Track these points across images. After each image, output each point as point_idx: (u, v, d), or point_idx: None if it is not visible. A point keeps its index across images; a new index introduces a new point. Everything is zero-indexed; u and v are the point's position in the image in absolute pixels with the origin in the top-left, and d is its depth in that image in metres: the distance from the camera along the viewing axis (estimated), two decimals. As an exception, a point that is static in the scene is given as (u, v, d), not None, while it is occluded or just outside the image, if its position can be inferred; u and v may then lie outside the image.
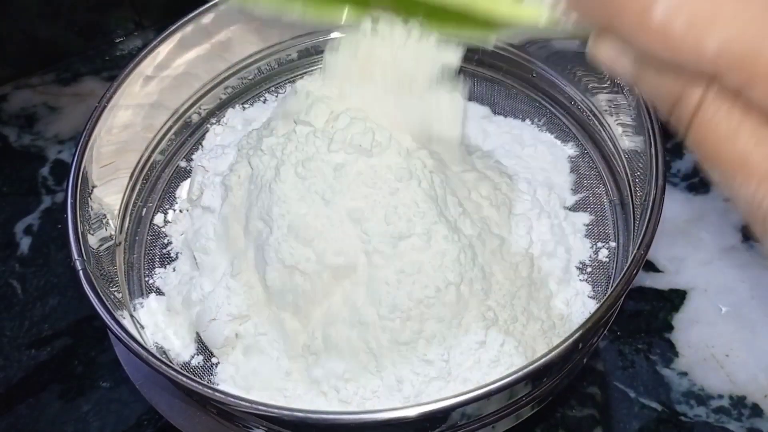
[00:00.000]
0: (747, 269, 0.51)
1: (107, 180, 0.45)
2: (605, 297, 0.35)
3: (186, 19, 0.48)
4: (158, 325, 0.43)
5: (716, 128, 0.19)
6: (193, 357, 0.42)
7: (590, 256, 0.44)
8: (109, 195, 0.45)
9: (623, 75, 0.21)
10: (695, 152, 0.20)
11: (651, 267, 0.52)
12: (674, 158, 0.58)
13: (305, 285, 0.38)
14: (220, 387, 0.40)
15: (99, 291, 0.37)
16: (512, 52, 0.51)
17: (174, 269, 0.45)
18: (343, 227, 0.37)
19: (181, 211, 0.48)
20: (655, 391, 0.47)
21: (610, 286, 0.42)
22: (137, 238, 0.47)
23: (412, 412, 0.32)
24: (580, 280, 0.42)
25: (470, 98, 0.52)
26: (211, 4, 0.48)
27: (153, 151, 0.49)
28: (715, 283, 0.51)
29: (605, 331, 0.43)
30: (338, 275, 0.38)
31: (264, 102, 0.54)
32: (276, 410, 0.33)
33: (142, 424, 0.48)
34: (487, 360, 0.38)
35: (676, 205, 0.55)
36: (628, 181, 0.44)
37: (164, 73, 0.48)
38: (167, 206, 0.49)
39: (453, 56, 0.34)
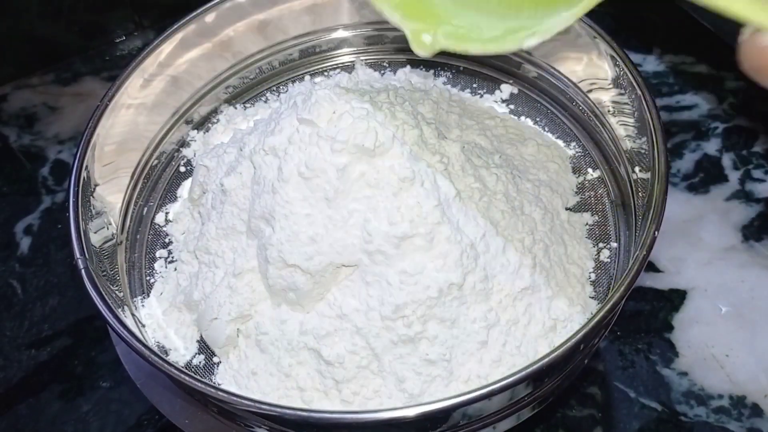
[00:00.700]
0: (747, 269, 0.52)
1: (109, 179, 0.45)
2: (607, 298, 0.35)
3: (187, 18, 0.48)
4: (159, 324, 0.43)
5: None
6: (194, 356, 0.42)
7: (592, 257, 0.44)
8: (110, 194, 0.45)
9: None
10: None
11: (651, 267, 0.52)
12: (674, 158, 0.58)
13: (307, 285, 0.38)
14: (222, 386, 0.40)
15: (101, 290, 0.37)
16: (514, 52, 0.51)
17: (175, 269, 0.45)
18: (345, 227, 0.37)
19: (182, 210, 0.48)
20: (655, 391, 0.47)
21: (611, 286, 0.42)
22: (138, 237, 0.47)
23: (413, 412, 0.32)
24: (581, 280, 0.42)
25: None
26: (212, 3, 0.48)
27: (154, 151, 0.49)
28: (715, 283, 0.51)
29: (606, 332, 0.43)
30: (340, 275, 0.38)
31: (265, 101, 0.54)
32: (278, 409, 0.33)
33: (143, 424, 0.48)
34: (488, 360, 0.38)
35: (676, 205, 0.55)
36: (630, 181, 0.44)
37: (165, 72, 0.48)
38: (168, 205, 0.49)
39: None
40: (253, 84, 0.54)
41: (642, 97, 0.42)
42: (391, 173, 0.37)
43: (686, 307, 0.50)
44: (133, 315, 0.42)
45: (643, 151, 0.42)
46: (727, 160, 0.58)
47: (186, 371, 0.34)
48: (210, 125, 0.52)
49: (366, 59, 0.55)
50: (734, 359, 0.48)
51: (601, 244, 0.44)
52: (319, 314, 0.39)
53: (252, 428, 0.38)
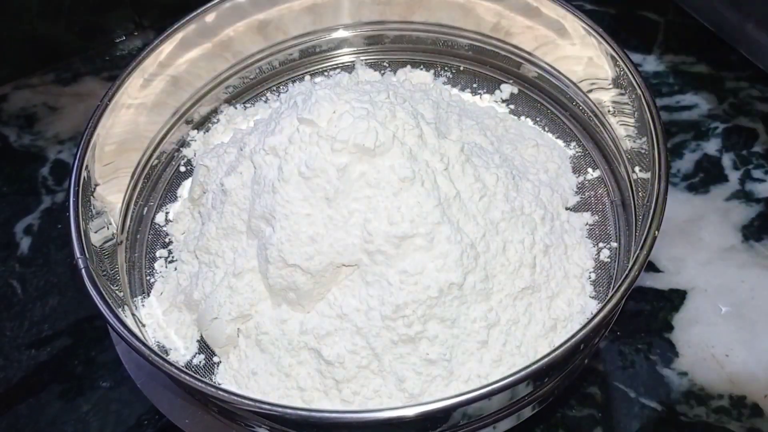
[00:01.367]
0: (747, 269, 0.52)
1: (109, 179, 0.45)
2: (608, 298, 0.35)
3: (187, 18, 0.48)
4: (159, 324, 0.43)
5: None
6: (194, 356, 0.42)
7: (592, 257, 0.44)
8: (110, 194, 0.45)
9: None
10: None
11: (651, 267, 0.52)
12: (674, 158, 0.58)
13: (307, 284, 0.38)
14: (222, 386, 0.40)
15: (101, 289, 0.37)
16: (514, 52, 0.51)
17: (176, 268, 0.45)
18: (345, 227, 0.37)
19: (182, 210, 0.48)
20: (655, 391, 0.47)
21: (611, 286, 0.42)
22: (139, 237, 0.47)
23: (413, 412, 0.32)
24: (581, 280, 0.42)
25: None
26: (212, 3, 0.48)
27: (154, 150, 0.49)
28: (715, 283, 0.51)
29: (606, 332, 0.43)
30: (340, 275, 0.38)
31: (265, 101, 0.54)
32: (278, 409, 0.33)
33: (143, 424, 0.48)
34: (489, 360, 0.38)
35: (676, 205, 0.55)
36: (630, 181, 0.44)
37: (165, 72, 0.48)
38: (169, 205, 0.49)
39: None
40: (253, 84, 0.54)
41: (642, 97, 0.42)
42: (392, 173, 0.37)
43: (686, 307, 0.50)
44: (133, 315, 0.42)
45: (643, 151, 0.42)
46: (727, 160, 0.58)
47: (186, 371, 0.34)
48: (210, 125, 0.52)
49: (366, 59, 0.55)
50: (734, 359, 0.48)
51: (601, 244, 0.44)
52: (319, 314, 0.39)
53: (252, 428, 0.38)
